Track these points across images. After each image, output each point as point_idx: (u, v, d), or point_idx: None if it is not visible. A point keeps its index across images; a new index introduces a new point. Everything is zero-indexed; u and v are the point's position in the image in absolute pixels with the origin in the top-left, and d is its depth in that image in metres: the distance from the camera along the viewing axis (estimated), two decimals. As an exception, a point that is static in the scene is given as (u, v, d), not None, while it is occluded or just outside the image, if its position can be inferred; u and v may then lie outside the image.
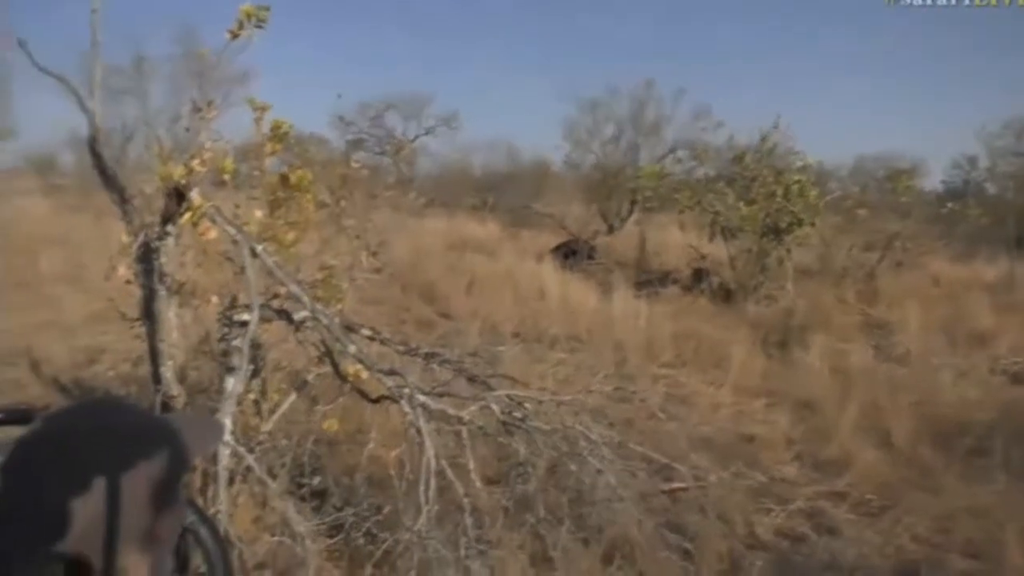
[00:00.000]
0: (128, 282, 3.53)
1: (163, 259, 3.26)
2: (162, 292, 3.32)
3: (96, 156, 3.62)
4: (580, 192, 21.27)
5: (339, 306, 3.87)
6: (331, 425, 3.42)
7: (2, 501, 0.77)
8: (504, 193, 24.23)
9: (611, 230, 17.88)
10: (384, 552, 2.72)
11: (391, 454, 2.98)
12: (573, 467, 2.88)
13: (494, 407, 2.79)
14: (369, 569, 2.85)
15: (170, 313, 3.45)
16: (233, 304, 3.28)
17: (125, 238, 3.08)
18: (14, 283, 8.34)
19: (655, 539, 3.10)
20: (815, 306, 8.73)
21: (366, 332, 3.36)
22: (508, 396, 2.98)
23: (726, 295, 10.12)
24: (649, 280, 11.33)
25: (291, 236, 3.78)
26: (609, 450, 3.01)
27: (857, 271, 10.60)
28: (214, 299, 3.29)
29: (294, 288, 2.98)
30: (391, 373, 2.75)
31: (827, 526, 3.89)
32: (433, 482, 2.50)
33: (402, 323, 8.44)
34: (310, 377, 3.57)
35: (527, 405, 3.12)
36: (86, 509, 0.72)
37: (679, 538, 3.21)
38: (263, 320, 3.10)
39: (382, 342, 3.33)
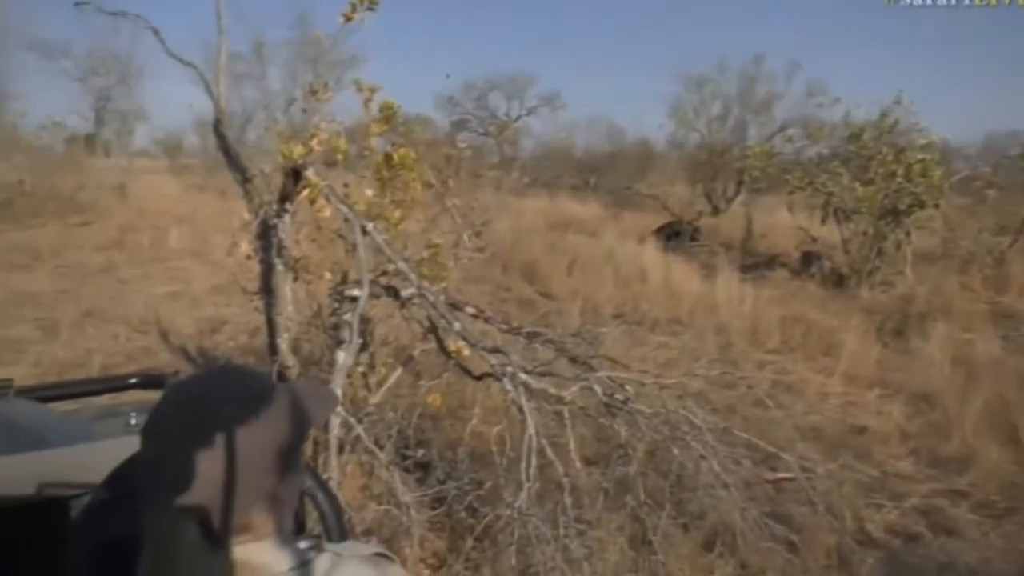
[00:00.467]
0: (248, 257, 3.72)
1: (280, 236, 3.42)
2: (279, 267, 3.48)
3: (221, 138, 3.83)
4: (684, 172, 20.81)
5: (444, 284, 3.95)
6: (435, 400, 3.51)
7: (140, 460, 0.84)
8: (606, 173, 24.01)
9: (716, 211, 17.41)
10: (485, 526, 2.78)
11: (492, 430, 3.03)
12: (675, 451, 2.83)
13: (596, 388, 2.78)
14: (470, 542, 2.92)
15: (286, 288, 3.62)
16: (344, 280, 3.40)
17: (246, 215, 3.24)
18: (147, 258, 8.96)
19: (758, 529, 3.02)
20: (937, 293, 8.21)
21: (470, 310, 3.41)
22: (610, 378, 2.96)
23: (838, 280, 9.68)
24: (755, 263, 10.98)
25: (398, 214, 3.88)
26: (712, 436, 2.95)
27: (985, 256, 9.87)
28: (327, 275, 3.42)
29: (402, 265, 3.06)
30: (494, 351, 2.79)
31: (944, 526, 3.68)
32: (534, 460, 2.53)
33: (503, 302, 8.53)
34: (415, 352, 3.66)
35: (628, 387, 3.10)
36: (214, 469, 0.76)
37: (784, 529, 3.11)
38: (372, 296, 3.20)
39: (485, 320, 3.38)
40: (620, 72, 58.30)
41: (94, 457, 1.24)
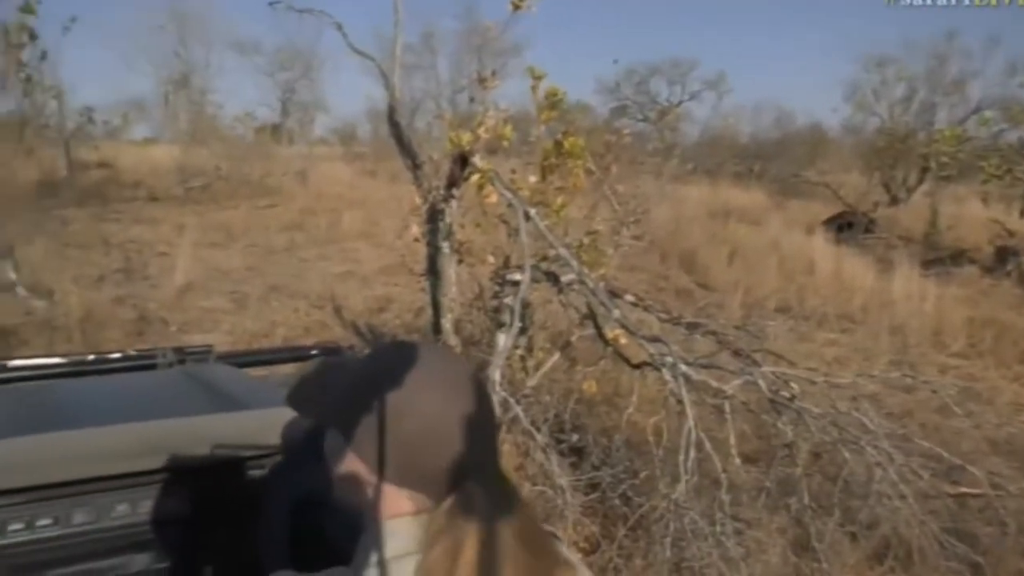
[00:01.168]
0: (416, 240, 3.90)
1: (447, 220, 3.56)
2: (445, 250, 3.62)
3: (394, 126, 4.03)
4: (859, 159, 19.38)
5: (602, 271, 3.94)
6: (590, 386, 3.52)
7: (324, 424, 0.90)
8: (772, 160, 22.88)
9: (894, 201, 16.09)
10: (639, 516, 2.76)
11: (649, 420, 2.99)
12: (846, 455, 2.67)
13: (761, 383, 2.68)
14: (622, 530, 2.90)
15: (451, 270, 3.77)
16: (506, 264, 3.48)
17: (418, 200, 3.38)
18: (323, 239, 9.62)
19: (938, 546, 2.79)
20: None
21: (629, 298, 3.38)
22: (775, 373, 2.84)
23: (1039, 280, 8.68)
24: (939, 258, 10.06)
25: (560, 201, 3.91)
26: (888, 442, 2.75)
27: None
28: (490, 259, 3.52)
29: (563, 251, 3.08)
30: (654, 340, 2.75)
31: None
32: (692, 453, 2.48)
33: (660, 291, 8.38)
34: (573, 338, 3.69)
35: (794, 385, 2.96)
36: (401, 439, 0.80)
37: (967, 549, 2.85)
38: (532, 281, 3.25)
39: (645, 308, 3.34)
40: (790, 54, 55.13)
41: (278, 422, 1.35)
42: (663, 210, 11.36)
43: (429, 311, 4.95)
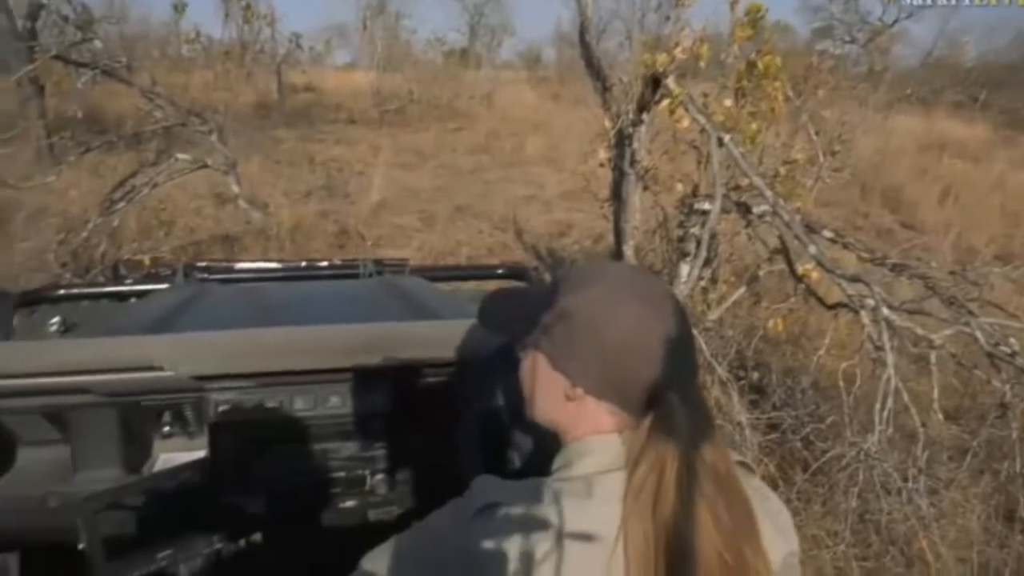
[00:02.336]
0: (602, 165, 3.85)
1: (635, 145, 3.47)
2: (631, 176, 3.55)
3: (584, 46, 3.95)
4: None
5: (798, 204, 3.70)
6: (776, 324, 3.36)
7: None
8: (1001, 88, 20.04)
9: None
10: (822, 463, 2.64)
11: (840, 365, 2.81)
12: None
13: (979, 335, 2.41)
14: (800, 474, 2.80)
15: (635, 197, 3.69)
16: (694, 192, 3.35)
17: (606, 123, 3.32)
18: (506, 162, 9.78)
19: None
20: None
21: (827, 234, 3.14)
22: (996, 325, 2.54)
23: None
24: None
25: (754, 127, 3.68)
26: None
27: None
28: (678, 186, 3.40)
29: (756, 180, 2.91)
30: (854, 280, 2.55)
31: None
32: (890, 402, 2.30)
33: (856, 229, 7.76)
34: (761, 273, 3.52)
35: (1013, 340, 2.64)
36: (601, 349, 0.78)
37: None
38: (722, 211, 3.11)
39: (844, 245, 3.09)
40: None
41: (471, 332, 1.41)
42: (867, 141, 10.37)
43: (610, 238, 4.92)
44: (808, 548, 2.44)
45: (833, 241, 3.19)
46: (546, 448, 1.02)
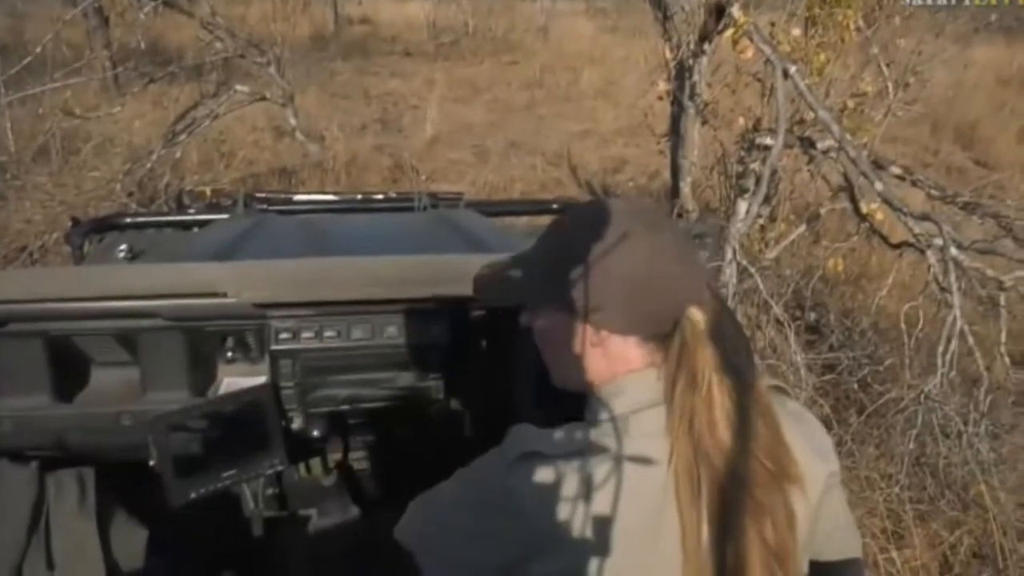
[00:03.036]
0: (660, 99, 3.75)
1: (695, 78, 3.36)
2: (690, 110, 3.45)
3: (646, -27, 3.79)
4: None
5: (865, 139, 3.55)
6: (836, 264, 3.27)
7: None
8: (1103, 13, 18.57)
9: None
10: (878, 405, 2.60)
11: (903, 307, 2.74)
12: None
13: (1053, 277, 2.31)
14: (855, 416, 2.77)
15: (695, 131, 3.60)
16: (756, 127, 3.24)
17: (667, 54, 3.21)
18: (561, 97, 9.59)
19: None
20: None
21: (895, 170, 3.02)
22: (1074, 268, 2.43)
23: None
24: None
25: (822, 58, 3.52)
26: None
27: None
28: (739, 120, 3.29)
29: (823, 114, 2.79)
30: (923, 219, 2.46)
31: None
32: (954, 345, 2.24)
33: (925, 167, 7.41)
34: (822, 211, 3.41)
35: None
36: (615, 284, 0.78)
37: None
38: (785, 146, 3.01)
39: (913, 183, 2.97)
40: None
41: None
42: (941, 74, 9.79)
43: (665, 174, 4.82)
44: (860, 489, 2.43)
45: (901, 178, 3.07)
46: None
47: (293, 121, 5.76)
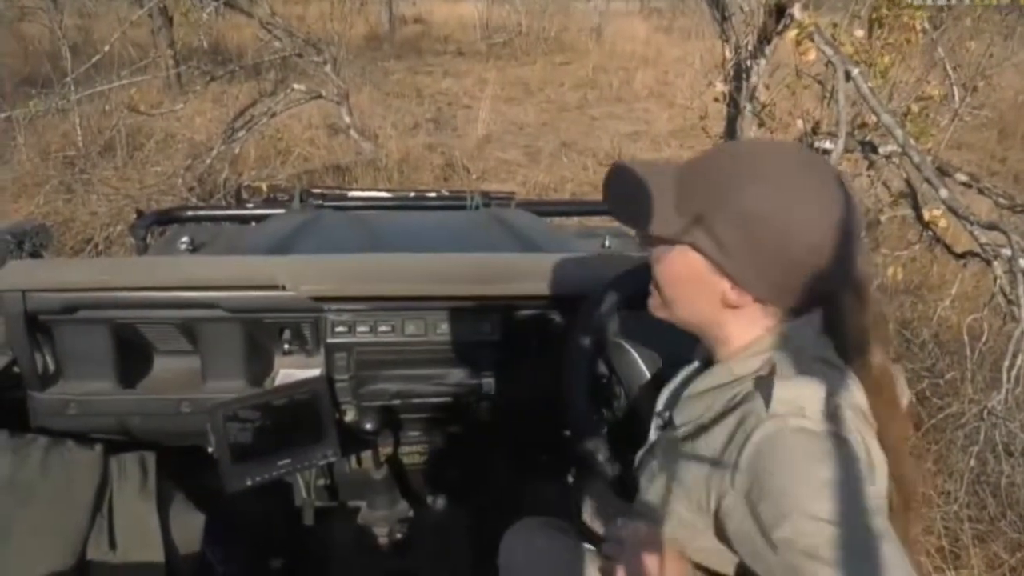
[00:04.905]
0: (716, 100, 3.69)
1: (754, 79, 3.30)
2: (747, 112, 3.39)
3: (705, -27, 3.74)
4: None
5: (928, 144, 3.45)
6: (896, 273, 3.18)
7: None
8: None
9: None
10: (938, 420, 2.51)
11: (966, 318, 2.64)
12: None
13: None
14: (912, 429, 2.68)
15: (751, 133, 3.53)
16: (815, 130, 3.17)
17: (727, 54, 3.17)
18: (613, 97, 9.53)
19: None
20: None
21: (961, 177, 2.93)
22: None
23: None
24: None
25: (886, 60, 3.42)
26: None
27: None
28: (797, 123, 3.23)
29: (886, 118, 2.72)
30: (990, 227, 2.37)
31: None
32: (1020, 360, 2.16)
33: (992, 175, 7.15)
34: (883, 218, 3.32)
35: None
36: (780, 255, 0.76)
37: None
38: (845, 150, 2.94)
39: (980, 191, 2.87)
40: None
41: (578, 267, 1.41)
42: (1011, 77, 9.44)
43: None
44: (917, 506, 2.35)
45: (967, 186, 2.97)
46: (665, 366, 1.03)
47: (347, 119, 5.85)
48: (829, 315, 0.77)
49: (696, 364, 0.93)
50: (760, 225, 0.72)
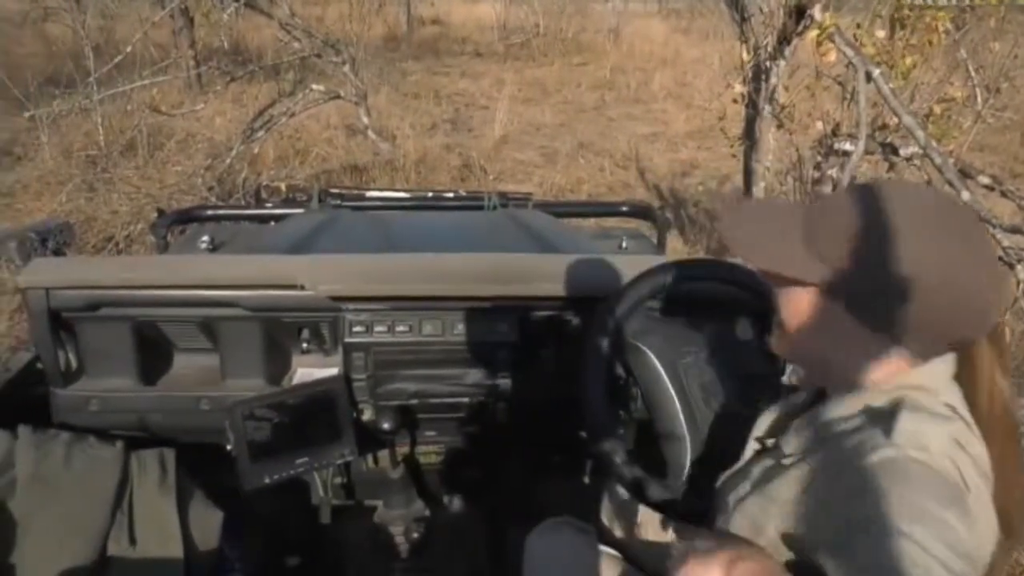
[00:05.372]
0: (735, 101, 3.67)
1: (773, 80, 3.28)
2: (766, 114, 3.37)
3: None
4: None
5: (950, 146, 3.41)
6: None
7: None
8: None
9: None
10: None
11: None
12: None
13: None
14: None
15: (769, 135, 3.52)
16: (835, 132, 3.15)
17: (745, 56, 3.15)
18: (631, 99, 9.50)
19: None
20: None
21: (984, 180, 2.90)
22: None
23: None
24: None
25: (908, 61, 3.39)
26: None
27: None
28: (817, 124, 3.21)
29: (908, 119, 2.69)
30: (1013, 231, 2.35)
31: None
32: None
33: (1015, 177, 7.05)
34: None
35: None
36: (923, 303, 0.73)
37: None
38: (865, 152, 2.92)
39: (1003, 194, 2.84)
40: None
41: (595, 268, 1.41)
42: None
43: (737, 178, 4.73)
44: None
45: (990, 188, 2.94)
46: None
47: (366, 120, 5.88)
48: (962, 362, 0.75)
49: (803, 395, 0.93)
50: (898, 272, 0.71)
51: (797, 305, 0.80)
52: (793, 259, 0.77)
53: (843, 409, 0.79)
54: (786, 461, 0.83)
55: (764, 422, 0.95)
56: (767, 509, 0.81)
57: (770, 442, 0.91)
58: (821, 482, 0.75)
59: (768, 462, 0.87)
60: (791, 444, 0.84)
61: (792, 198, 3.86)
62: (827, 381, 0.85)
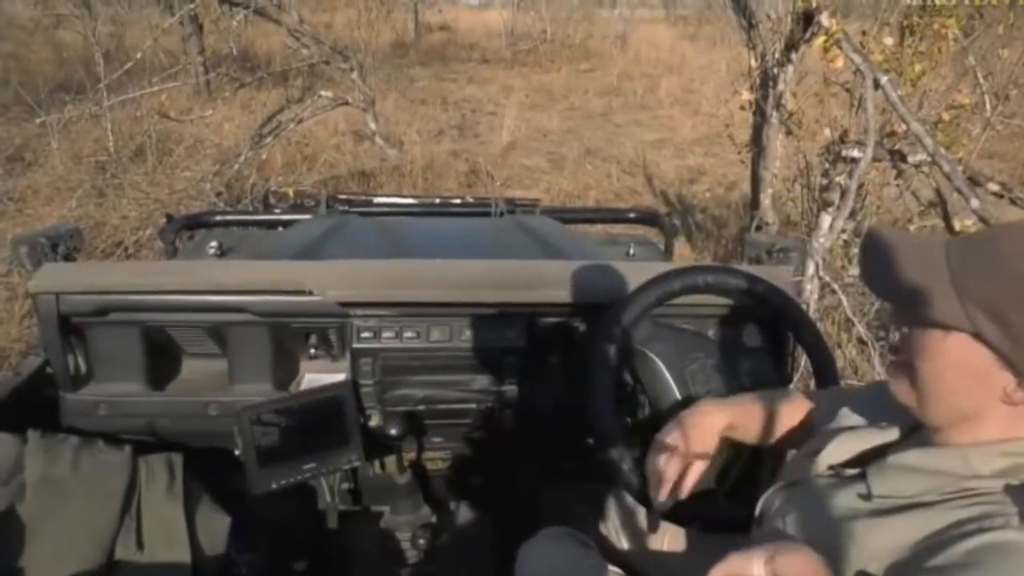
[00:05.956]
0: (742, 108, 3.68)
1: (780, 87, 3.28)
2: (774, 120, 3.37)
3: (733, -20, 3.73)
4: None
5: (959, 154, 3.40)
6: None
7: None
8: None
9: None
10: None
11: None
12: None
13: None
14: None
15: (776, 142, 3.52)
16: (843, 139, 3.14)
17: (752, 63, 3.15)
18: (638, 105, 9.52)
19: None
20: None
21: (993, 187, 2.89)
22: None
23: None
24: None
25: (917, 69, 3.39)
26: None
27: None
28: (825, 131, 3.20)
29: (916, 127, 2.69)
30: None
31: None
32: None
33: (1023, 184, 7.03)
34: (912, 228, 3.28)
35: None
36: None
37: None
38: (873, 159, 2.91)
39: (1012, 201, 2.83)
40: None
41: (602, 275, 1.41)
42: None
43: (744, 185, 4.73)
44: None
45: (999, 196, 2.93)
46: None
47: (373, 126, 5.90)
48: None
49: (895, 429, 0.87)
50: None
51: (944, 354, 0.74)
52: (939, 301, 0.72)
53: (954, 463, 0.74)
54: (880, 504, 0.76)
55: (837, 446, 0.88)
56: (842, 545, 0.75)
57: (849, 472, 0.85)
58: (931, 545, 0.69)
59: (847, 494, 0.81)
60: (886, 485, 0.77)
61: (799, 205, 3.85)
62: (951, 429, 0.78)
